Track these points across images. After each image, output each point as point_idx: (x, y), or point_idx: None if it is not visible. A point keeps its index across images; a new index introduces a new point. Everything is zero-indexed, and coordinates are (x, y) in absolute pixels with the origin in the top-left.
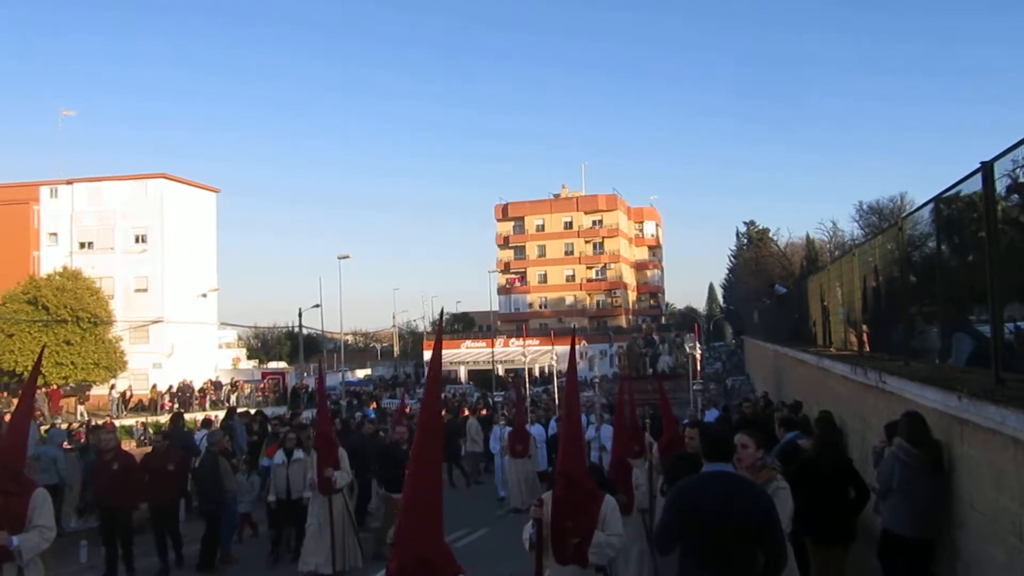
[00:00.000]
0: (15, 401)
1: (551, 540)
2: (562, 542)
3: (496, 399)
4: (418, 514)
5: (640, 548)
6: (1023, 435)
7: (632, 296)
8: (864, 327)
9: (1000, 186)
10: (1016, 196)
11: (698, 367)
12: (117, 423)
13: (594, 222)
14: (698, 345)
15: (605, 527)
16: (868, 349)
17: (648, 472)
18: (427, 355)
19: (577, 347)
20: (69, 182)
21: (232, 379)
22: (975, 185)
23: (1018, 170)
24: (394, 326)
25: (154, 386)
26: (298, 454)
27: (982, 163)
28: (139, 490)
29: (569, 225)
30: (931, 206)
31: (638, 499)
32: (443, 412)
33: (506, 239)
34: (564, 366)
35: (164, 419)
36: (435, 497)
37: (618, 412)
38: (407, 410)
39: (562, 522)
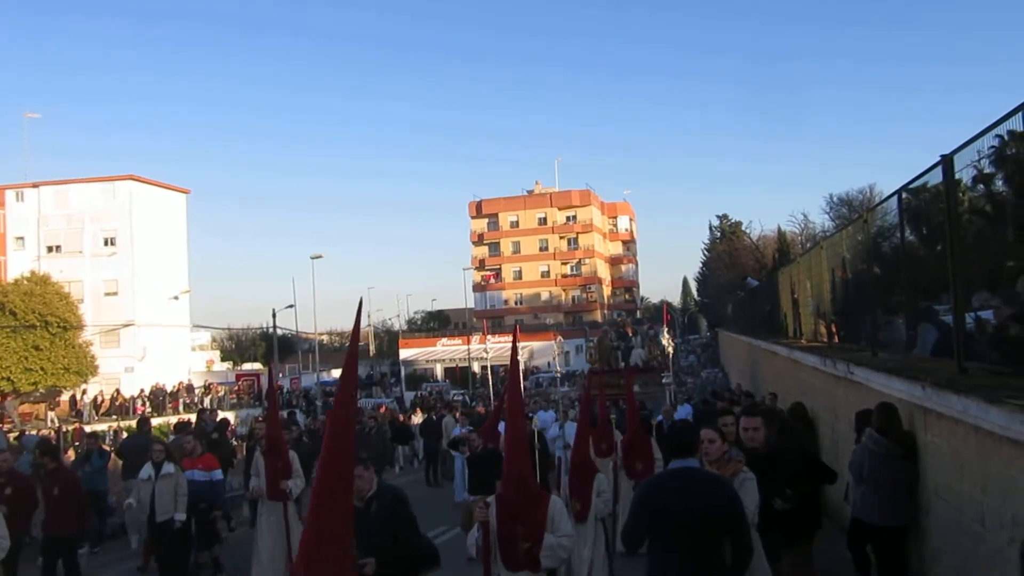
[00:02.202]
0: None
1: (499, 545)
2: (511, 547)
3: (456, 397)
4: (325, 543)
5: (598, 558)
6: (984, 424)
7: (607, 291)
8: (833, 318)
9: (966, 176)
10: (982, 186)
11: (670, 361)
12: (88, 428)
13: (568, 218)
14: (665, 331)
15: (554, 528)
16: (837, 340)
17: (613, 473)
18: (403, 353)
19: (553, 343)
20: (35, 185)
21: (206, 381)
22: (939, 176)
23: (983, 160)
24: (369, 325)
25: (116, 390)
26: (168, 468)
27: (942, 156)
28: (26, 518)
29: (543, 221)
30: (896, 197)
31: (598, 506)
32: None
33: (480, 236)
34: (537, 362)
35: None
36: (346, 523)
37: (582, 410)
38: (383, 409)
39: (509, 526)
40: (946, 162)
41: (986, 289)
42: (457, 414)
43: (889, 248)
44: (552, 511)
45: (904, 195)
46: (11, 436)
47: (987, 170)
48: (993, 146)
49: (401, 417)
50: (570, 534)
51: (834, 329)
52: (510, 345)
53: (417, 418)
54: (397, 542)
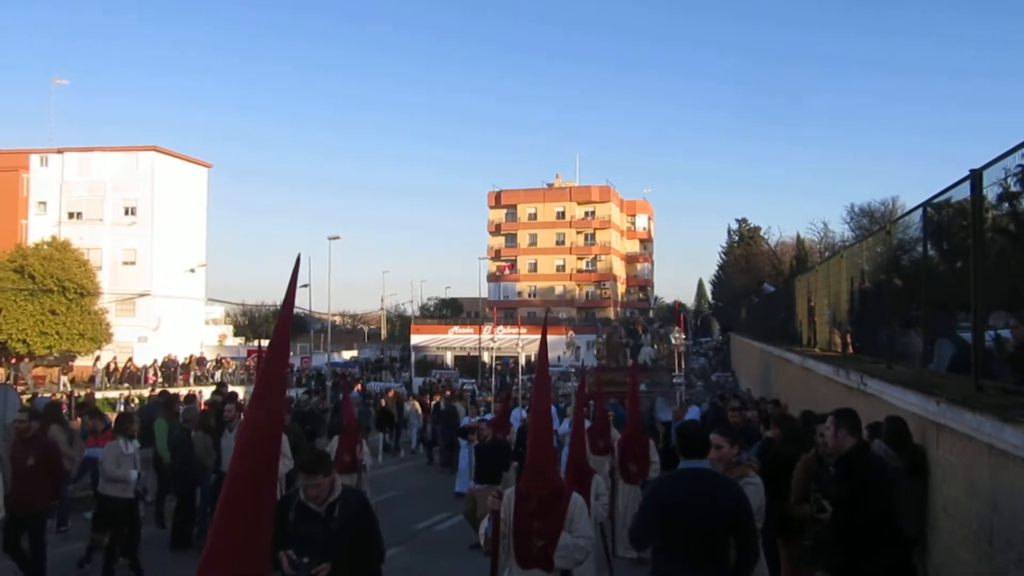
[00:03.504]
0: None
1: (513, 541)
2: (526, 543)
3: (467, 386)
4: (237, 534)
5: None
6: (998, 442)
7: (621, 288)
8: (848, 329)
9: (992, 194)
10: (1007, 205)
11: (679, 361)
12: (100, 395)
13: (586, 213)
14: (677, 330)
15: (572, 528)
16: (852, 351)
17: (610, 475)
18: (415, 339)
19: (564, 337)
20: (60, 151)
21: (218, 356)
22: (965, 192)
23: (1009, 179)
24: (382, 309)
25: (129, 359)
26: (136, 443)
27: (971, 171)
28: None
29: (561, 215)
30: (920, 211)
31: (596, 510)
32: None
33: (498, 226)
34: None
35: (147, 392)
36: (264, 512)
37: (577, 407)
38: (391, 393)
39: (526, 521)
40: (975, 177)
41: (1004, 308)
42: (468, 404)
43: (909, 261)
44: (572, 509)
45: (928, 209)
46: (24, 398)
47: (1013, 189)
48: (1020, 164)
49: (384, 402)
50: (588, 535)
51: (849, 339)
52: (519, 337)
53: (408, 405)
54: (361, 550)
